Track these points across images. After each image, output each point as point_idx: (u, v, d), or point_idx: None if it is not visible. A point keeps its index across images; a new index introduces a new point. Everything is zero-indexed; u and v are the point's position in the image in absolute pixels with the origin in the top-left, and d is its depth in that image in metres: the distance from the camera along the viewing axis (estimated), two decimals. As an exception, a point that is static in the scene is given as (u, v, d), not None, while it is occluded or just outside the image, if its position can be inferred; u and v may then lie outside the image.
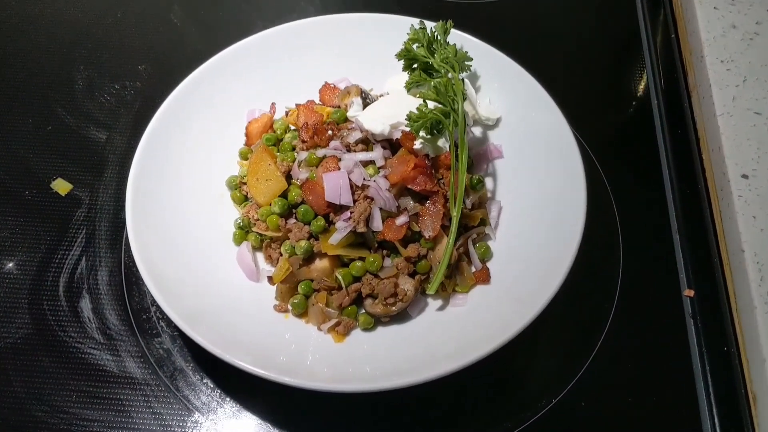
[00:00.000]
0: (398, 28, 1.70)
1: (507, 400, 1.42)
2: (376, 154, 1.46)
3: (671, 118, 1.81)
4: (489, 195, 1.60)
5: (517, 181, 1.59)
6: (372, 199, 1.42)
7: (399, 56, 1.54)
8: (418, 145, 1.45)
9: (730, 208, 1.57)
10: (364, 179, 1.43)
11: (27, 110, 1.83)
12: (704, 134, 1.74)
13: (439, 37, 1.59)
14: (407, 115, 1.43)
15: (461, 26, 1.66)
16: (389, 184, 1.42)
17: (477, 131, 1.65)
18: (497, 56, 1.66)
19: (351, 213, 1.41)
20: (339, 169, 1.43)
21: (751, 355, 1.42)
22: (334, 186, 1.41)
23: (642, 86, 1.91)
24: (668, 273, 1.57)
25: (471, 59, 1.61)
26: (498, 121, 1.66)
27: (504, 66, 1.65)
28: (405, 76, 1.61)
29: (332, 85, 1.71)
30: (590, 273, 1.41)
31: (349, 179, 1.42)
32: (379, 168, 1.45)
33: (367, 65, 1.74)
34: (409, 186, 1.43)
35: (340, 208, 1.43)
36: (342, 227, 1.40)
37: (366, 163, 1.47)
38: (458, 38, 1.66)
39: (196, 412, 1.39)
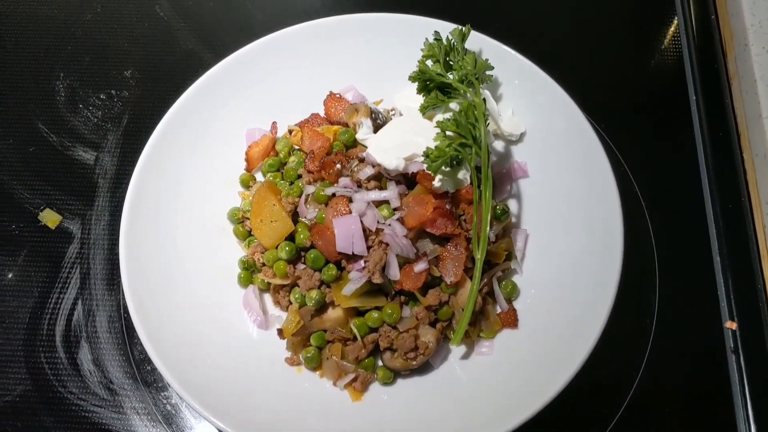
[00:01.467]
0: (408, 28, 1.55)
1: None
2: (391, 193, 1.32)
3: (711, 119, 1.64)
4: (513, 220, 1.47)
5: (545, 203, 1.45)
6: (387, 244, 1.29)
7: (413, 78, 1.37)
8: (437, 183, 1.31)
9: (777, 229, 1.44)
10: (378, 222, 1.30)
11: (6, 128, 1.68)
12: (747, 139, 1.58)
13: (456, 45, 1.42)
14: (424, 152, 1.28)
15: (480, 24, 1.49)
16: (406, 230, 1.29)
17: (499, 146, 1.50)
18: (520, 61, 1.49)
19: (365, 262, 1.29)
20: (350, 211, 1.30)
21: (798, 396, 1.33)
22: (346, 233, 1.28)
23: (676, 78, 1.73)
24: (709, 302, 1.45)
25: (492, 68, 1.44)
26: (522, 135, 1.50)
27: (527, 73, 1.48)
28: (414, 91, 1.45)
29: (338, 95, 1.55)
30: (624, 301, 1.30)
31: (362, 222, 1.29)
32: (394, 209, 1.32)
33: (374, 71, 1.57)
34: (427, 230, 1.30)
35: (353, 256, 1.31)
36: (356, 278, 1.28)
37: (379, 203, 1.33)
38: (477, 42, 1.49)
39: (210, 476, 1.32)
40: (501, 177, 1.48)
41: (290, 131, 1.54)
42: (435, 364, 1.33)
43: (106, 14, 1.85)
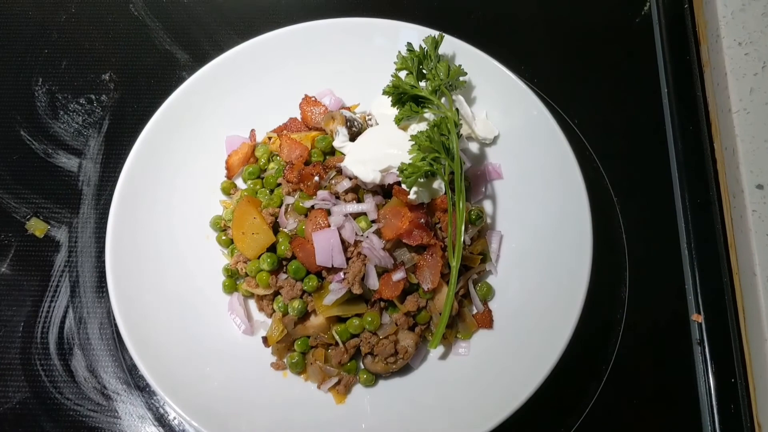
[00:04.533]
0: (384, 33, 1.57)
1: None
2: (368, 206, 1.36)
3: (682, 112, 1.67)
4: (488, 221, 1.51)
5: (519, 205, 1.49)
6: (366, 256, 1.34)
7: (387, 92, 1.40)
8: (412, 195, 1.34)
9: (743, 223, 1.49)
10: (356, 234, 1.34)
11: (-11, 136, 1.70)
12: (718, 132, 1.62)
13: (429, 53, 1.44)
14: (399, 168, 1.31)
15: (456, 30, 1.51)
16: (383, 242, 1.33)
17: (474, 147, 1.53)
18: (493, 66, 1.51)
19: (345, 274, 1.33)
20: (328, 225, 1.34)
21: (759, 386, 1.40)
22: (325, 247, 1.33)
23: (650, 72, 1.75)
24: (677, 296, 1.51)
25: (465, 74, 1.46)
26: (496, 138, 1.54)
27: (499, 77, 1.50)
28: (390, 110, 1.47)
29: (313, 98, 1.57)
30: (596, 296, 1.35)
31: (340, 235, 1.34)
32: (371, 221, 1.36)
33: (351, 76, 1.59)
34: (404, 241, 1.34)
35: (332, 268, 1.35)
36: (336, 289, 1.33)
37: (357, 215, 1.37)
38: (450, 46, 1.51)
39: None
40: (476, 179, 1.52)
41: (269, 137, 1.57)
42: (414, 365, 1.40)
43: (81, 15, 1.84)
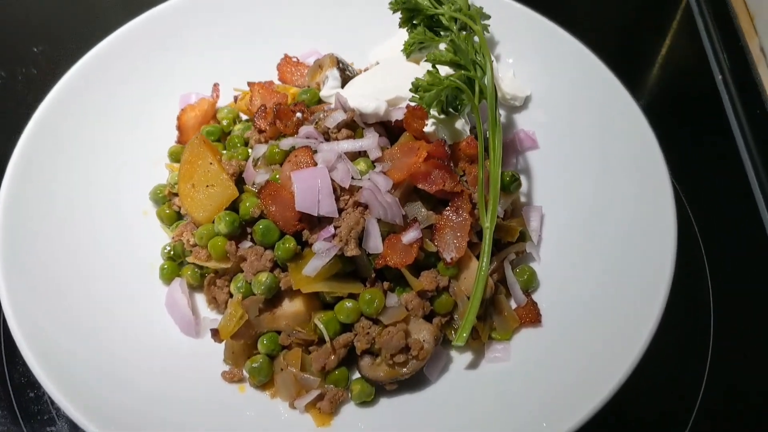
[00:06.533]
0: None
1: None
2: (369, 141, 1.00)
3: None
4: (522, 199, 1.15)
5: (562, 178, 1.16)
6: (366, 207, 0.95)
7: (393, 6, 1.08)
8: (429, 127, 0.99)
9: None
10: (352, 178, 0.96)
11: None
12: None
13: (444, -15, 1.15)
14: (413, 83, 0.97)
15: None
16: (391, 184, 0.95)
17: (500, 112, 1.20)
18: (521, 12, 1.23)
19: (336, 228, 0.94)
20: (315, 164, 0.97)
21: None
22: (309, 189, 0.94)
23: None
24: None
25: (488, 16, 1.17)
26: (526, 100, 1.22)
27: (532, 24, 1.23)
28: (397, 42, 1.17)
29: (295, 59, 1.25)
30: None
31: (331, 179, 0.95)
32: (373, 162, 0.99)
33: (342, 34, 1.28)
34: (419, 186, 0.97)
35: (318, 222, 0.96)
36: (322, 250, 0.93)
37: (354, 156, 1.00)
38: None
39: None
40: (504, 149, 1.17)
41: (235, 98, 1.22)
42: (432, 375, 0.97)
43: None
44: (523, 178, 1.17)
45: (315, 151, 0.99)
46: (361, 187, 0.96)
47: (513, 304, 1.03)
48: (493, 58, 1.20)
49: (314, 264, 0.93)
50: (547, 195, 1.15)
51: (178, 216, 1.10)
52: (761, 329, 1.14)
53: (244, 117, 1.21)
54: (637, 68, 1.53)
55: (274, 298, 0.97)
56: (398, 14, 1.10)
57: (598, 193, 1.10)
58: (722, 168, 1.37)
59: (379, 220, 0.95)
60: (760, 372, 1.10)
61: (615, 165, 1.10)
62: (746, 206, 1.29)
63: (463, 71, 0.98)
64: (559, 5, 1.48)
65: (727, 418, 1.07)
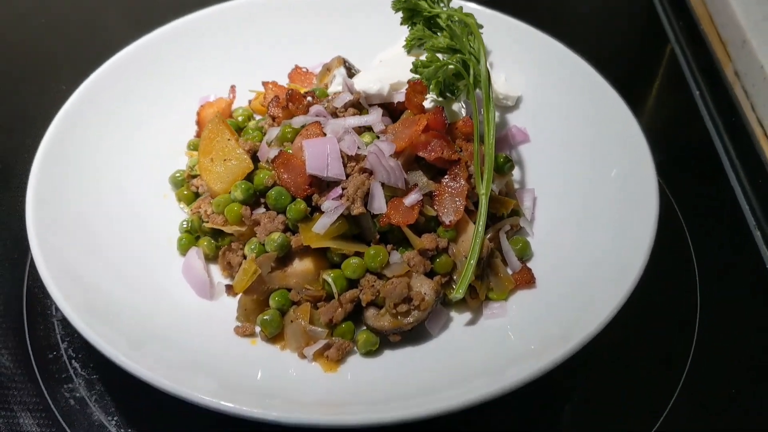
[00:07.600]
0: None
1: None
2: (374, 117, 1.09)
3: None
4: (516, 186, 1.23)
5: (553, 167, 1.23)
6: (371, 172, 1.04)
7: (395, 6, 1.21)
8: (428, 103, 1.09)
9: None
10: (358, 148, 1.05)
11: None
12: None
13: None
14: (414, 63, 1.08)
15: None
16: (394, 148, 1.04)
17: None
18: (510, 23, 1.35)
19: (343, 189, 1.02)
20: (324, 135, 1.06)
21: None
22: (319, 153, 1.03)
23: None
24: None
25: (481, 26, 1.29)
26: (518, 101, 1.32)
27: (521, 33, 1.34)
28: (399, 48, 1.28)
29: (304, 70, 1.36)
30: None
31: (340, 149, 1.05)
32: (377, 134, 1.08)
33: (349, 44, 1.39)
34: (420, 154, 1.06)
35: (327, 186, 1.04)
36: (330, 208, 1.00)
37: (360, 131, 1.10)
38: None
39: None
40: (498, 144, 1.26)
41: (249, 102, 1.33)
42: (433, 330, 1.02)
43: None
44: (516, 169, 1.26)
45: (324, 126, 1.09)
46: (366, 156, 1.05)
47: (509, 270, 1.10)
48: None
49: (323, 221, 1.01)
50: (539, 183, 1.23)
51: (196, 196, 1.18)
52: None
53: (257, 116, 1.31)
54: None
55: (285, 257, 1.03)
56: (398, 14, 1.23)
57: (587, 178, 1.17)
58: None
59: (382, 184, 1.04)
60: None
61: (602, 153, 1.18)
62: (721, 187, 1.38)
63: (459, 54, 1.09)
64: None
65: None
